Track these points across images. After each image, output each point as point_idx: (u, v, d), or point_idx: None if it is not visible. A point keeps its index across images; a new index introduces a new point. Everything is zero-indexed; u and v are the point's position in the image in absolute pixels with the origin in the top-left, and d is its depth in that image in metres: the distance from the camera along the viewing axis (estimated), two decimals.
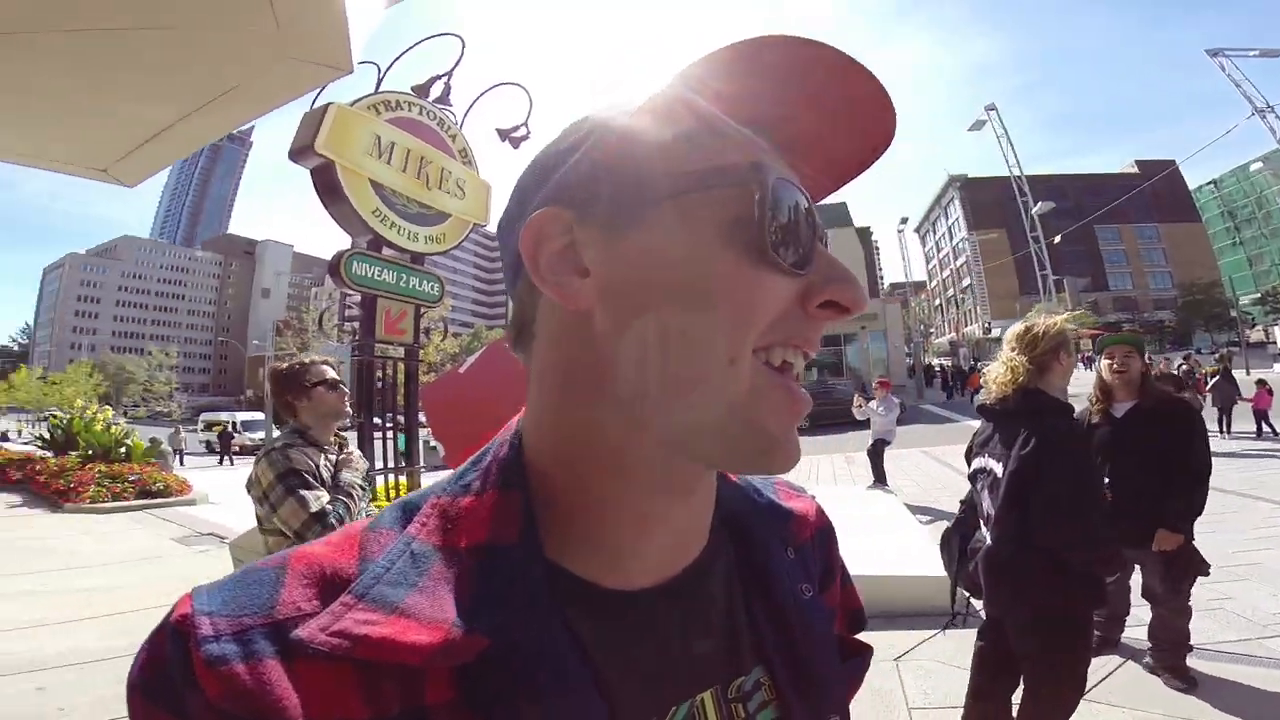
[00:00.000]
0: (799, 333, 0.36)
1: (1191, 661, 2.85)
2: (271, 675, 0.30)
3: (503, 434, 0.42)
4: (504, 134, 6.48)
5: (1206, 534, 2.92)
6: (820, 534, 0.54)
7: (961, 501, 2.53)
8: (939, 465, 10.31)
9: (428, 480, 7.40)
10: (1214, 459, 2.81)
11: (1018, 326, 2.24)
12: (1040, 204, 15.31)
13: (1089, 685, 2.67)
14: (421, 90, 5.97)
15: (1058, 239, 25.61)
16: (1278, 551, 4.47)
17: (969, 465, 2.40)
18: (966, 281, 72.83)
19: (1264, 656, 3.04)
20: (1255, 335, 46.17)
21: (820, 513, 0.55)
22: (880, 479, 8.19)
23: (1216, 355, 13.02)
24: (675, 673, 0.40)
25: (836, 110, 0.38)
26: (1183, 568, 2.74)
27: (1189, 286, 63.29)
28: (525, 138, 6.53)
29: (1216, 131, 12.94)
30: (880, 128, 0.39)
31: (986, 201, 62.08)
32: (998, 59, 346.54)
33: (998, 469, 2.17)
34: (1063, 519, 2.00)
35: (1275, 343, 33.60)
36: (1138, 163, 71.55)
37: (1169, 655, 2.85)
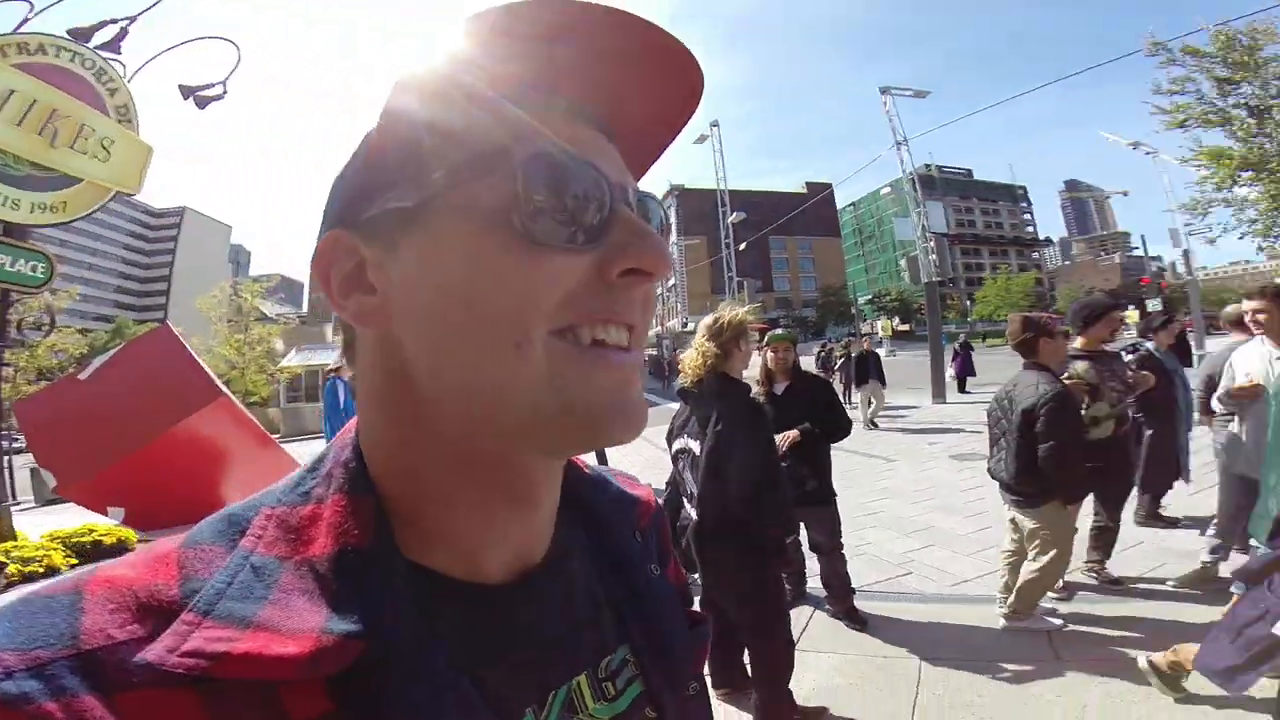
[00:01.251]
0: (604, 307, 0.35)
1: (865, 605, 3.53)
2: (92, 713, 0.27)
3: (341, 439, 0.40)
4: (189, 91, 5.53)
5: (843, 489, 3.62)
6: (655, 518, 0.56)
7: (668, 482, 2.75)
8: (652, 447, 11.39)
9: (22, 520, 5.68)
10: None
11: (708, 318, 2.56)
12: (735, 214, 18.03)
13: (795, 638, 3.13)
14: (82, 34, 4.81)
15: (743, 246, 30.58)
16: (893, 500, 5.97)
17: (670, 447, 2.62)
18: (672, 281, 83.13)
19: (901, 591, 3.92)
20: (866, 328, 62.17)
21: (654, 498, 0.57)
22: (602, 463, 8.68)
23: (843, 343, 17.10)
24: (548, 660, 0.41)
25: (629, 65, 0.37)
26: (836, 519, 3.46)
27: (826, 289, 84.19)
28: (217, 98, 5.71)
29: (887, 159, 16.62)
30: (681, 79, 0.39)
31: (695, 210, 71.14)
32: (737, 82, 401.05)
33: (696, 448, 2.43)
34: (758, 489, 2.32)
35: (878, 334, 45.71)
36: (806, 184, 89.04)
37: (842, 600, 3.51)
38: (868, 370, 11.27)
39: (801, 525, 3.48)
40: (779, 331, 3.61)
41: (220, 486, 2.68)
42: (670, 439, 2.64)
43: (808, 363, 6.01)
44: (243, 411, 2.87)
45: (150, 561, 0.33)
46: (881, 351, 34.75)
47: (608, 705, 0.43)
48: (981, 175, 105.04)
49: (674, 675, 0.47)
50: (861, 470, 7.18)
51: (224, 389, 2.82)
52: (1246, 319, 3.23)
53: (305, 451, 1.00)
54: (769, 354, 3.51)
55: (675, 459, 2.61)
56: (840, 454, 3.45)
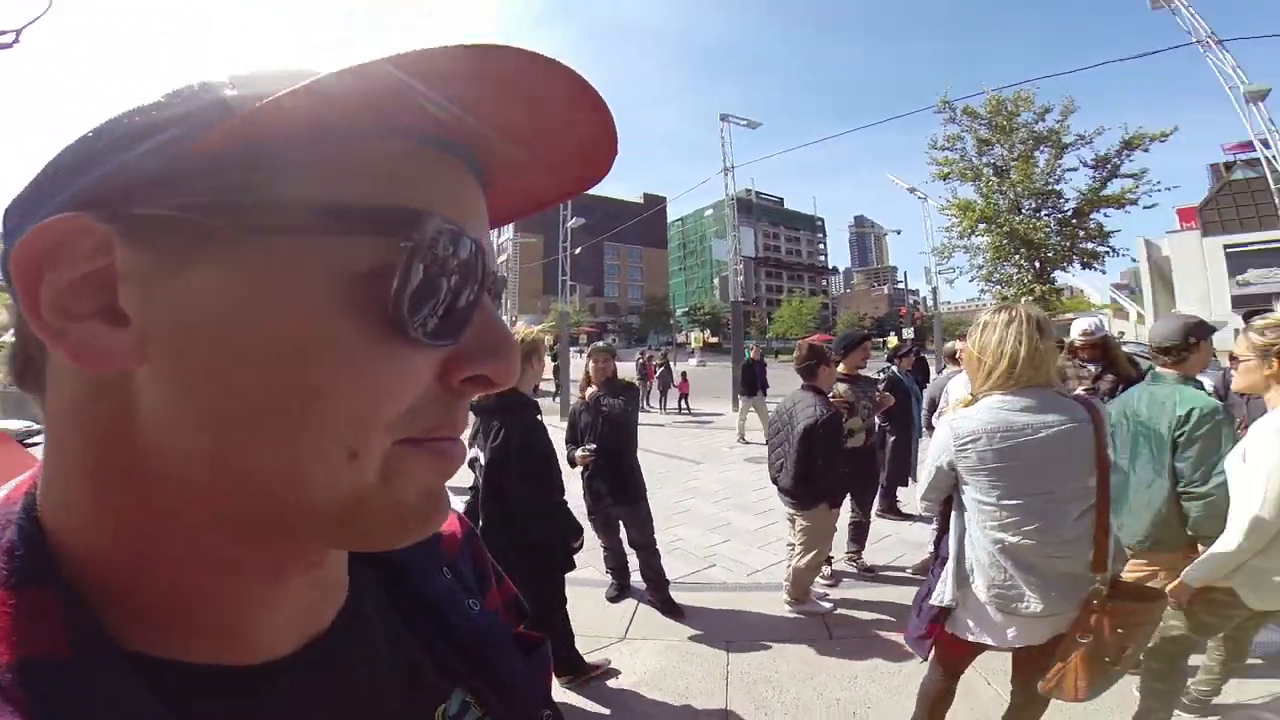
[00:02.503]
0: (446, 417, 0.30)
1: (680, 596, 3.78)
2: None
3: None
4: None
5: (656, 488, 3.92)
6: (465, 542, 0.51)
7: (470, 487, 2.82)
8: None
9: None
10: (653, 428, 3.89)
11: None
12: (574, 219, 18.18)
13: (624, 629, 3.42)
14: None
15: (579, 250, 30.91)
16: (699, 499, 6.43)
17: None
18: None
19: (708, 582, 4.28)
20: (681, 338, 66.48)
21: (461, 520, 0.52)
22: None
23: (661, 352, 18.13)
24: None
25: (556, 135, 0.32)
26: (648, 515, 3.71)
27: (650, 298, 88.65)
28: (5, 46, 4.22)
29: (714, 180, 17.65)
30: (597, 162, 0.35)
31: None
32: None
33: (484, 458, 2.58)
34: (535, 501, 2.51)
35: (691, 344, 49.07)
36: (644, 195, 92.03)
37: (659, 591, 3.73)
38: (755, 380, 10.16)
39: (620, 524, 3.74)
40: (600, 344, 3.92)
41: None
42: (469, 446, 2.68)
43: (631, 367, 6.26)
44: None
45: None
46: (693, 362, 37.53)
47: None
48: (791, 204, 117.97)
49: (520, 706, 0.44)
50: (673, 471, 7.63)
51: None
52: (958, 354, 4.06)
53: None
54: (590, 363, 3.75)
55: (472, 465, 2.71)
56: (653, 456, 3.72)
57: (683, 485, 7.00)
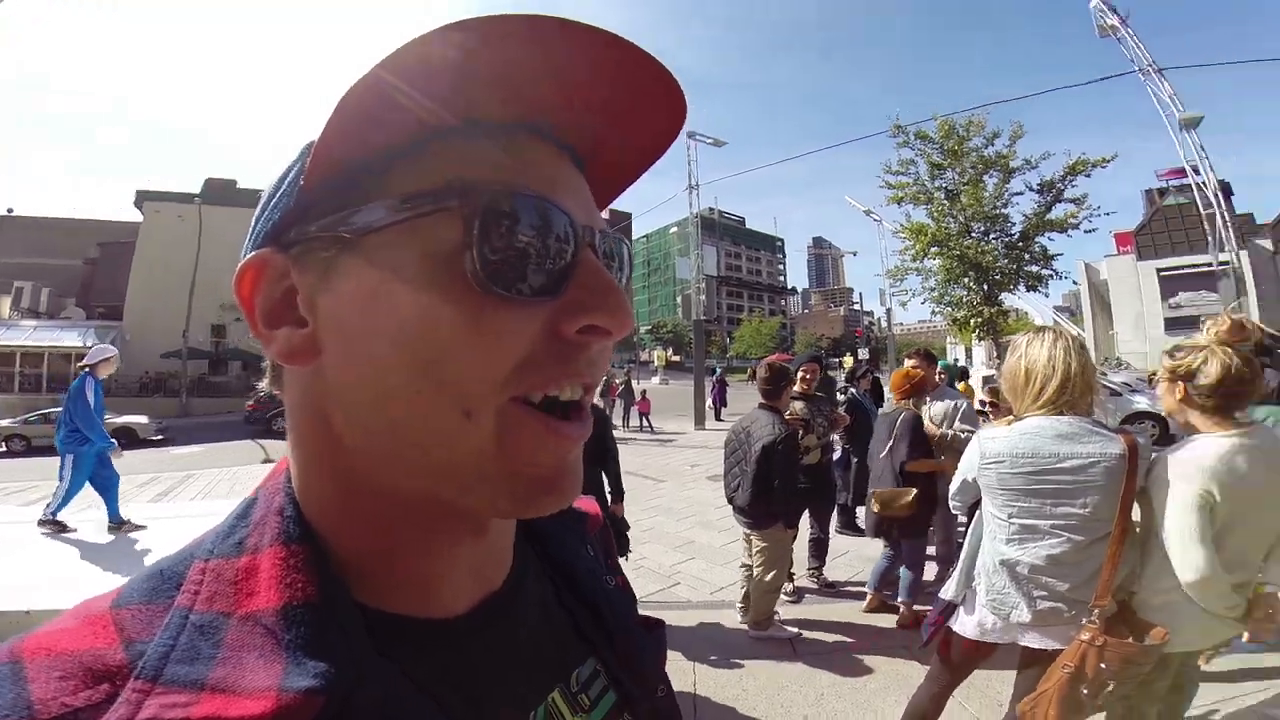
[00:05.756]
0: (562, 369, 0.33)
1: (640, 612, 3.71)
2: None
3: (270, 483, 0.38)
4: None
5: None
6: (601, 531, 0.57)
7: None
8: None
9: None
10: (617, 444, 3.79)
11: None
12: None
13: None
14: None
15: None
16: (663, 518, 6.41)
17: None
18: None
19: (673, 601, 4.28)
20: (645, 356, 66.64)
21: (599, 511, 0.58)
22: None
23: (625, 370, 18.18)
24: (521, 681, 0.40)
25: (619, 92, 0.34)
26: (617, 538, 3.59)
27: None
28: None
29: (679, 198, 17.77)
30: (668, 109, 0.36)
31: None
32: None
33: None
34: None
35: (653, 362, 49.31)
36: (611, 211, 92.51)
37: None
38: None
39: None
40: None
41: None
42: None
43: None
44: None
45: (83, 625, 0.31)
46: (655, 380, 37.68)
47: (585, 716, 0.43)
48: (753, 224, 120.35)
49: (643, 680, 0.48)
50: (637, 490, 7.57)
51: None
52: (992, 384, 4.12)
53: None
54: None
55: None
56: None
57: (647, 504, 6.97)
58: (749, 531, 3.59)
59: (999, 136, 14.92)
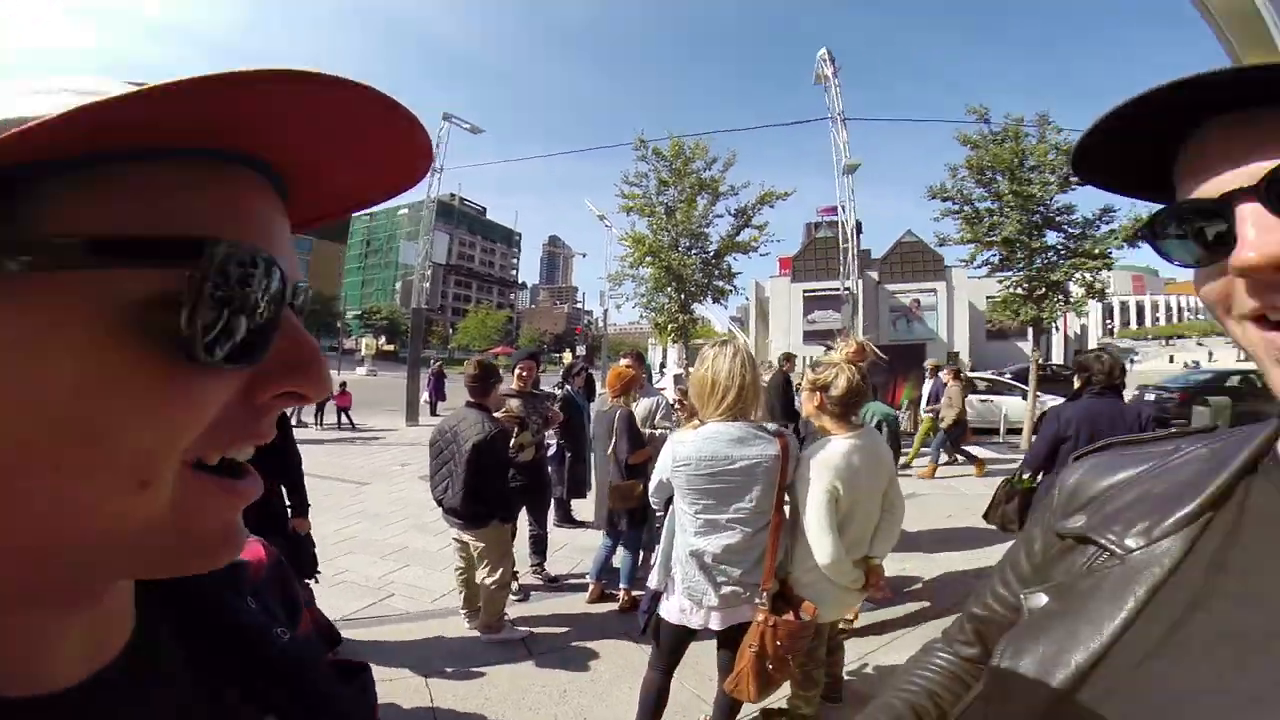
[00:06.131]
0: (248, 431, 0.30)
1: (353, 634, 3.31)
2: None
3: None
4: None
5: (313, 516, 3.22)
6: (271, 571, 0.50)
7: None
8: None
9: None
10: (309, 446, 3.37)
11: None
12: None
13: None
14: None
15: None
16: (367, 524, 5.82)
17: None
18: None
19: (389, 614, 3.90)
20: (350, 344, 59.88)
21: (266, 549, 0.51)
22: None
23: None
24: None
25: (343, 131, 0.30)
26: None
27: (316, 297, 77.02)
28: None
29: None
30: (407, 159, 0.33)
31: None
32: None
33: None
34: None
35: (360, 351, 44.53)
36: None
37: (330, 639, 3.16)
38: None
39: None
40: None
41: None
42: None
43: None
44: None
45: None
46: (361, 371, 34.07)
47: None
48: (494, 216, 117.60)
49: None
50: (333, 495, 6.75)
51: None
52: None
53: None
54: None
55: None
56: (310, 479, 3.19)
57: (348, 510, 6.28)
58: (463, 533, 3.50)
59: (716, 162, 17.19)
